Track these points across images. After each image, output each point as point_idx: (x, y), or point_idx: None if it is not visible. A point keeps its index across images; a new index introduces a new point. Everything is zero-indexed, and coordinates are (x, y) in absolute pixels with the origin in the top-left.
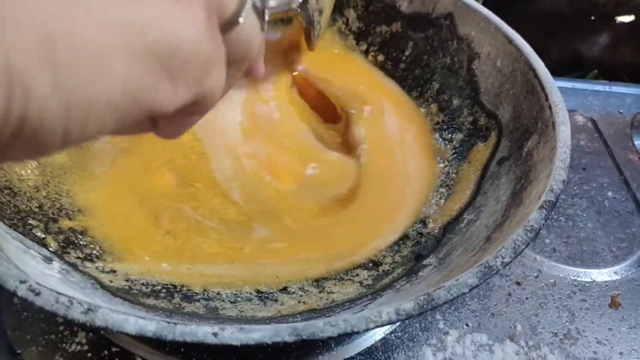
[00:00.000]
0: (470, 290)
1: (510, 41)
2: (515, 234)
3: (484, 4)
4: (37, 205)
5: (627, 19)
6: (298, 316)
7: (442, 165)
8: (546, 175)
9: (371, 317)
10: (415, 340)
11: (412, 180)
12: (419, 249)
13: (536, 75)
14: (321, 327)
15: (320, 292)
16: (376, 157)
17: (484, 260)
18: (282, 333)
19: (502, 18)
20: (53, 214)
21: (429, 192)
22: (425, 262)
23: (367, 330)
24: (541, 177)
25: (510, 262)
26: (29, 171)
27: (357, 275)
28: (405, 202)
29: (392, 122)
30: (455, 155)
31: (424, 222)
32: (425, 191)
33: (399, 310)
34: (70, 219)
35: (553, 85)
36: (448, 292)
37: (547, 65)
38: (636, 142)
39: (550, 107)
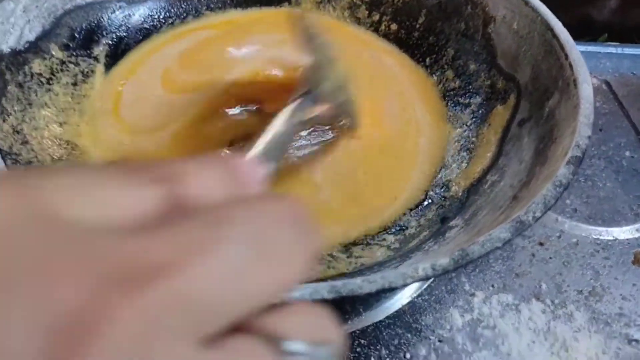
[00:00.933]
0: (503, 244)
1: (526, 3)
2: (545, 189)
3: None
4: None
5: None
6: (329, 280)
7: (460, 129)
8: (570, 132)
9: (408, 273)
10: (442, 302)
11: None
12: (444, 211)
13: (554, 35)
14: (359, 284)
15: (348, 257)
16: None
17: (515, 215)
18: (321, 291)
19: None
20: None
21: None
22: (451, 223)
23: (404, 285)
24: (565, 134)
25: (541, 216)
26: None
27: (384, 239)
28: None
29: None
30: (474, 119)
31: (447, 186)
32: (438, 151)
33: (435, 266)
34: None
35: (572, 44)
36: (482, 247)
37: None
38: None
39: (570, 66)
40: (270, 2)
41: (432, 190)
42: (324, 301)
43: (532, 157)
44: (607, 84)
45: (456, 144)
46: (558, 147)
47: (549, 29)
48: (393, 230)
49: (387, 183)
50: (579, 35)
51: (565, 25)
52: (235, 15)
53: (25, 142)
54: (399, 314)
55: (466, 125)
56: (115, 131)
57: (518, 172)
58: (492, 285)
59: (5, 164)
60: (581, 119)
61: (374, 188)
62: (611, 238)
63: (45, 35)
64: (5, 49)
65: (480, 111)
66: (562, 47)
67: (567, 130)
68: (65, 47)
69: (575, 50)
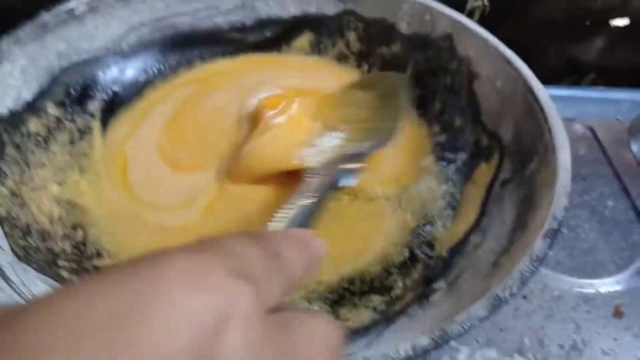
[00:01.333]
0: (481, 322)
1: (509, 62)
2: (522, 264)
3: (482, 15)
4: (71, 245)
5: (622, 22)
6: None
7: (446, 185)
8: (549, 201)
9: (390, 354)
10: (427, 358)
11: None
12: (428, 272)
13: (535, 97)
14: None
15: (336, 318)
16: None
17: (492, 292)
18: None
19: (499, 27)
20: (82, 253)
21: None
22: (435, 286)
23: None
24: (544, 202)
25: (518, 292)
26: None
27: (371, 300)
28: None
29: None
30: (459, 175)
31: (432, 245)
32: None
33: (416, 347)
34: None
35: (552, 107)
36: (461, 326)
37: (545, 71)
38: (634, 148)
39: (550, 130)
40: (259, 48)
41: (418, 249)
42: None
43: (513, 221)
44: (591, 129)
45: (441, 200)
46: (537, 214)
47: (530, 90)
48: (380, 290)
49: (367, 236)
50: (566, 75)
51: (553, 65)
52: (224, 64)
53: (23, 205)
54: None
55: (451, 181)
56: (123, 198)
57: (500, 235)
58: (477, 340)
59: (4, 230)
60: (559, 189)
61: (356, 240)
62: (593, 291)
63: (42, 94)
64: (3, 111)
65: (465, 167)
66: (542, 110)
67: (546, 197)
68: (60, 104)
69: (555, 113)
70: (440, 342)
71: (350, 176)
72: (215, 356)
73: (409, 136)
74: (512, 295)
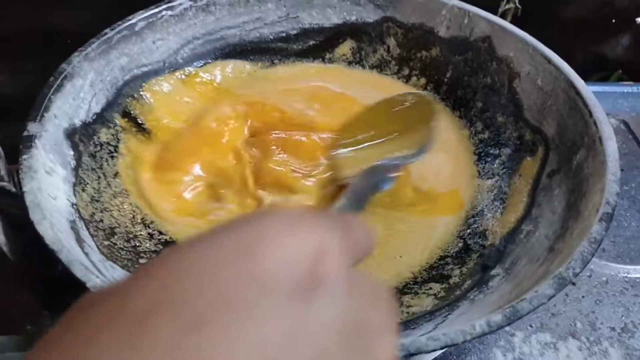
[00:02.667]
0: (549, 300)
1: (549, 61)
2: (581, 246)
3: (514, 18)
4: (154, 244)
5: None
6: None
7: (492, 180)
8: (600, 188)
9: (467, 330)
10: (485, 343)
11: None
12: (484, 260)
13: (578, 93)
14: (425, 342)
15: (400, 306)
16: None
17: (556, 272)
18: None
19: (528, 27)
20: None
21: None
22: (492, 272)
23: (464, 342)
24: (595, 190)
25: (580, 271)
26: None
27: (431, 288)
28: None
29: None
30: (504, 169)
31: (484, 235)
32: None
33: (490, 322)
34: None
35: (595, 101)
36: (530, 304)
37: (573, 68)
38: None
39: (595, 123)
40: (304, 55)
41: (471, 239)
42: None
43: (564, 209)
44: (625, 123)
45: (489, 193)
46: (589, 202)
47: (572, 86)
48: (438, 278)
49: (420, 229)
50: (593, 72)
51: (580, 62)
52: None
53: (104, 210)
54: (445, 356)
55: (498, 175)
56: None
57: (551, 223)
58: (531, 325)
59: (89, 232)
60: (609, 176)
61: (408, 234)
62: (639, 276)
63: (109, 106)
64: (78, 122)
65: (510, 162)
66: (585, 105)
67: (596, 186)
68: (125, 115)
69: (599, 107)
70: (512, 318)
71: (388, 182)
72: (317, 280)
73: (451, 138)
74: (575, 274)
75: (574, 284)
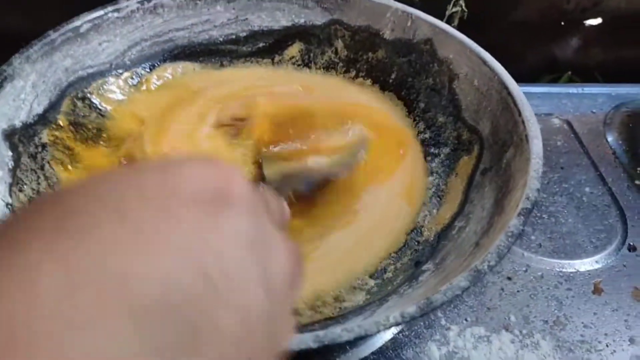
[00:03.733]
0: (462, 292)
1: (484, 62)
2: (499, 240)
3: (461, 22)
4: None
5: (595, 22)
6: (316, 325)
7: (432, 178)
8: (522, 185)
9: (380, 321)
10: (421, 337)
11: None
12: (417, 256)
13: (509, 93)
14: (339, 333)
15: (334, 301)
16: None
17: (472, 265)
18: (306, 340)
19: (480, 30)
20: None
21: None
22: (423, 267)
23: (378, 332)
24: (519, 186)
25: (496, 265)
26: None
27: (366, 283)
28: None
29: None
30: (443, 168)
31: (420, 231)
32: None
33: (404, 314)
34: None
35: (524, 101)
36: (444, 295)
37: (524, 70)
38: (609, 139)
39: (523, 122)
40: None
41: (408, 235)
42: (309, 350)
43: (492, 205)
44: (568, 123)
45: (428, 191)
46: (512, 198)
47: (505, 87)
48: (374, 274)
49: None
50: (545, 73)
51: (532, 64)
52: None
53: None
54: (382, 350)
55: (437, 173)
56: None
57: (480, 219)
58: (466, 319)
59: None
60: (532, 172)
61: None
62: (573, 270)
63: (52, 107)
64: (18, 123)
65: (448, 161)
66: (515, 104)
67: (519, 182)
68: (68, 115)
69: (527, 107)
70: (426, 309)
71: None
72: (225, 198)
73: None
74: (490, 267)
75: (509, 278)
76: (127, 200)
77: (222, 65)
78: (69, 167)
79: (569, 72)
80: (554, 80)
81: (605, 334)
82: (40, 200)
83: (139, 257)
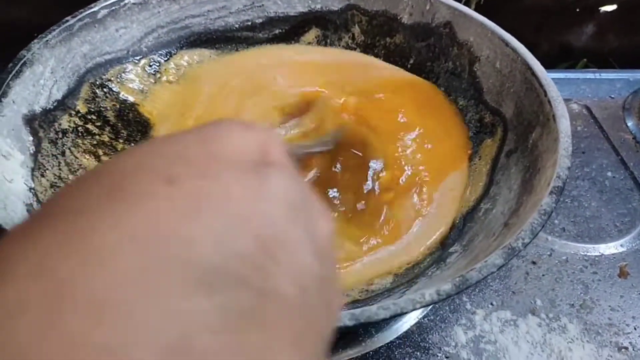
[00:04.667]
0: (498, 269)
1: (506, 44)
2: (532, 218)
3: (477, 6)
4: None
5: (610, 8)
6: (344, 307)
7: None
8: (552, 164)
9: (416, 299)
10: (446, 321)
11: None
12: (444, 238)
13: (534, 74)
14: (375, 311)
15: (361, 279)
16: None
17: (506, 243)
18: (343, 318)
19: (494, 17)
20: None
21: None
22: (451, 250)
23: (414, 309)
24: (548, 165)
25: (530, 242)
26: None
27: (394, 266)
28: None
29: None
30: None
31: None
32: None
33: (440, 291)
34: None
35: (550, 81)
36: (479, 273)
37: (539, 58)
38: (629, 123)
39: (549, 102)
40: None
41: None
42: (345, 327)
43: (520, 186)
44: (587, 108)
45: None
46: (542, 177)
47: (529, 68)
48: (402, 255)
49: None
50: (559, 61)
51: (546, 52)
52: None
53: None
54: (408, 334)
55: None
56: None
57: (508, 200)
58: (492, 303)
59: None
60: (561, 151)
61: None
62: (598, 254)
63: (71, 93)
64: (37, 108)
65: (471, 144)
66: (541, 85)
67: (549, 161)
68: (87, 102)
69: (553, 87)
70: (462, 287)
71: None
72: (267, 161)
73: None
74: (524, 245)
75: (534, 262)
76: (173, 167)
77: (237, 51)
78: (91, 154)
79: (584, 59)
80: (570, 67)
81: (633, 317)
82: (86, 175)
83: (194, 222)
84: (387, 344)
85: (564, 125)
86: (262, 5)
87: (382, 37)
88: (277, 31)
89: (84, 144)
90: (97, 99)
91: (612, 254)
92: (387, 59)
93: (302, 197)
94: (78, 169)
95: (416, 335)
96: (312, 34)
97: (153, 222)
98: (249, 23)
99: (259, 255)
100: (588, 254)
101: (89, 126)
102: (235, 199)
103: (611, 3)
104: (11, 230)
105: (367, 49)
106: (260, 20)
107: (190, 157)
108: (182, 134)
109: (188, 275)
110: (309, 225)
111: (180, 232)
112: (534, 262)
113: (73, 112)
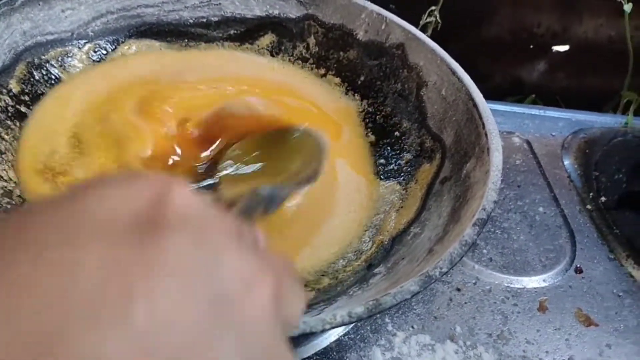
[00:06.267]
0: (412, 296)
1: (453, 72)
2: (452, 248)
3: (434, 32)
4: None
5: (562, 48)
6: None
7: (391, 183)
8: (480, 195)
9: (327, 319)
10: (366, 341)
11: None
12: (370, 258)
13: (475, 105)
14: None
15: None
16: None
17: (424, 271)
18: None
19: (452, 45)
20: None
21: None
22: (375, 270)
23: (324, 330)
24: (476, 196)
25: (447, 272)
26: None
27: (318, 282)
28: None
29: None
30: (403, 174)
31: (374, 234)
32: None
33: (351, 313)
34: None
35: (489, 114)
36: (393, 298)
37: (491, 89)
38: (565, 162)
39: (486, 134)
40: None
41: (362, 238)
42: None
43: (449, 214)
44: (528, 143)
45: (388, 196)
46: (469, 208)
47: (471, 98)
48: (329, 274)
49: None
50: (510, 94)
51: (498, 84)
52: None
53: None
54: (326, 351)
55: (396, 179)
56: None
57: (436, 226)
58: (412, 326)
59: None
60: (490, 184)
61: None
62: (520, 286)
63: (4, 70)
64: None
65: (409, 167)
66: (480, 117)
67: (478, 192)
68: (22, 81)
69: (491, 120)
70: (374, 311)
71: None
72: (154, 222)
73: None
74: (441, 274)
75: (458, 289)
76: (44, 234)
77: (188, 46)
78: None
79: (533, 95)
80: (518, 102)
81: (547, 352)
82: None
83: (37, 298)
84: (305, 359)
85: (497, 159)
86: (220, 4)
87: (336, 51)
88: (231, 32)
89: (10, 123)
90: (32, 80)
91: (534, 288)
92: (339, 72)
93: (212, 266)
94: (2, 151)
95: (335, 353)
96: (267, 39)
97: (5, 293)
98: (204, 20)
99: None
100: (511, 285)
101: (21, 107)
102: (86, 277)
103: (564, 43)
104: None
105: (320, 60)
106: (216, 19)
107: (57, 222)
108: (61, 195)
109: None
110: (221, 306)
111: (23, 305)
112: (458, 289)
113: (4, 91)
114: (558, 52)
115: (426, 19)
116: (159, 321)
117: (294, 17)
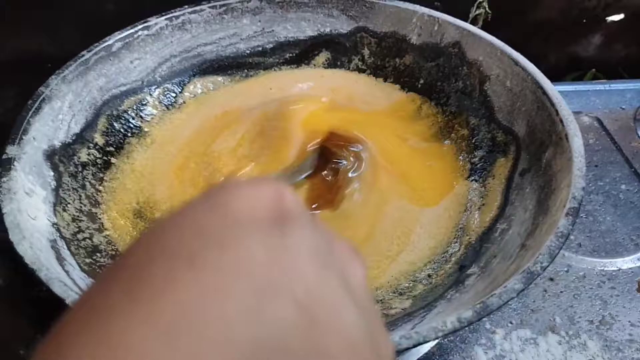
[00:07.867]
0: (517, 294)
1: (516, 63)
2: (549, 241)
3: (485, 22)
4: None
5: (617, 17)
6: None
7: (468, 181)
8: (567, 184)
9: (438, 327)
10: (466, 342)
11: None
12: (461, 260)
13: (544, 92)
14: (398, 341)
15: (382, 309)
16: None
17: (525, 267)
18: None
19: (501, 31)
20: None
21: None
22: (468, 271)
23: (436, 338)
24: (562, 185)
25: (548, 265)
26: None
27: (412, 289)
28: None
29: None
30: (479, 171)
31: (462, 235)
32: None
33: (461, 319)
34: None
35: (561, 99)
36: (499, 299)
37: (547, 70)
38: None
39: (561, 121)
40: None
41: (451, 239)
42: None
43: (535, 206)
44: (598, 120)
45: (466, 196)
46: (557, 197)
47: (539, 86)
48: (423, 280)
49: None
50: (567, 72)
51: (554, 64)
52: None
53: (87, 229)
54: (428, 356)
55: (472, 177)
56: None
57: (524, 220)
58: (511, 322)
59: (70, 250)
60: (575, 171)
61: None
62: (615, 269)
63: (89, 126)
64: (57, 143)
65: (484, 163)
66: (552, 104)
67: (563, 181)
68: (104, 134)
69: (564, 105)
70: (483, 313)
71: None
72: (284, 214)
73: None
74: (542, 268)
75: (551, 279)
76: (190, 246)
77: (247, 76)
78: (109, 184)
79: (593, 70)
80: (578, 79)
81: None
82: (110, 270)
83: (225, 301)
84: None
85: (577, 144)
86: (272, 30)
87: (391, 58)
88: (287, 55)
89: (103, 175)
90: (114, 131)
91: (630, 268)
92: (397, 79)
93: (328, 245)
94: (99, 202)
95: (437, 357)
96: (323, 57)
97: (181, 310)
98: (260, 48)
99: (300, 320)
100: (605, 268)
101: (109, 158)
102: (261, 264)
103: (618, 13)
104: (59, 329)
105: (377, 70)
106: (271, 46)
107: (204, 229)
108: (190, 205)
109: (230, 357)
110: (342, 276)
111: (212, 314)
112: (551, 279)
113: (91, 145)
114: (613, 22)
115: (475, 11)
116: (315, 295)
117: (345, 31)
